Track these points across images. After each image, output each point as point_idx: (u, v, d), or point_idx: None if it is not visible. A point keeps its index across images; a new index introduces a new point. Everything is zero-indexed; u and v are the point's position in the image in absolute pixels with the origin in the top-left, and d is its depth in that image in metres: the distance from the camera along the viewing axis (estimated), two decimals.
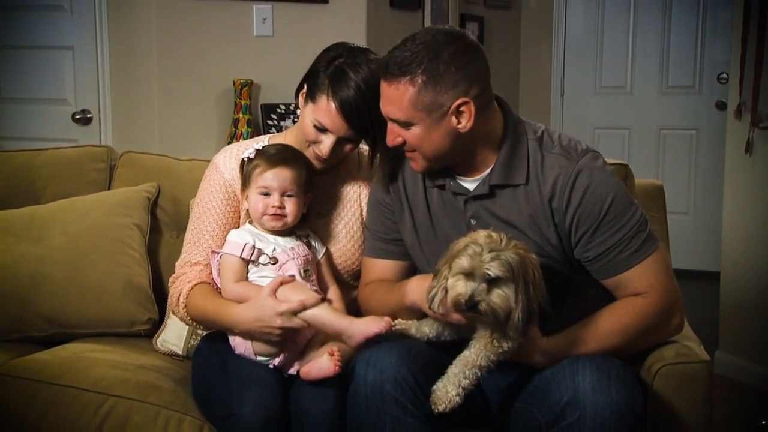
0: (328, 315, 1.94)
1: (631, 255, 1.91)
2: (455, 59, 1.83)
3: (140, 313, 2.49)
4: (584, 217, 1.90)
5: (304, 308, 1.92)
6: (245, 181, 2.08)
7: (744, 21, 3.69)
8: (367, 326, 1.89)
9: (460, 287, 1.76)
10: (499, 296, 1.75)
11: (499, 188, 1.95)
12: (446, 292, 1.79)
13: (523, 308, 1.76)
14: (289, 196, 2.05)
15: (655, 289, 1.92)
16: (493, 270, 1.74)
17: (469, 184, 1.98)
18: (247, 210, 2.11)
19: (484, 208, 1.97)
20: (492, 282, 1.75)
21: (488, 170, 1.95)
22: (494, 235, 1.78)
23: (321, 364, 1.88)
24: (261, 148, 2.08)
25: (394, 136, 1.92)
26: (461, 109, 1.85)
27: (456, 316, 1.81)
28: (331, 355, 1.86)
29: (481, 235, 1.79)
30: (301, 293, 1.95)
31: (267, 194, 2.04)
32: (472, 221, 1.98)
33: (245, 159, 2.08)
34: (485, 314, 1.76)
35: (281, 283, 1.96)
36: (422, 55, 1.82)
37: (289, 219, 2.07)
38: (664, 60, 5.53)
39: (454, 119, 1.86)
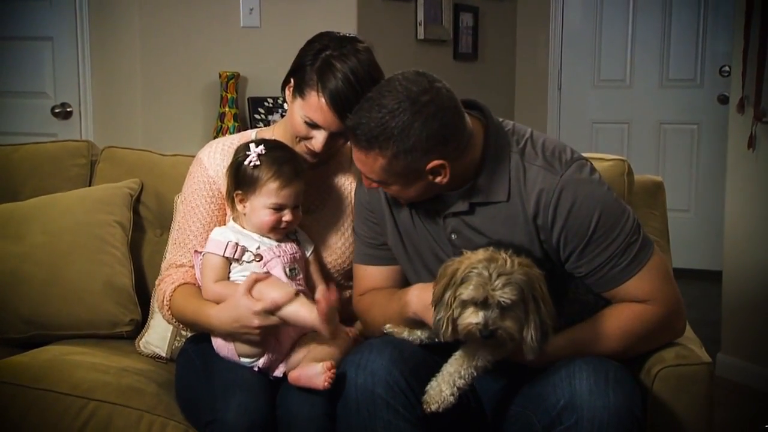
0: (302, 310, 1.91)
1: (624, 268, 1.87)
2: (425, 127, 1.78)
3: (122, 314, 2.46)
4: (571, 235, 1.86)
5: (278, 306, 1.90)
6: (248, 187, 2.02)
7: (747, 12, 3.67)
8: (320, 304, 1.87)
9: (471, 317, 1.73)
10: (513, 320, 1.73)
11: (480, 205, 1.92)
12: (454, 320, 1.76)
13: (536, 327, 1.74)
14: (296, 207, 2.04)
15: (655, 297, 1.89)
16: (507, 297, 1.71)
17: (449, 199, 1.94)
18: (232, 206, 2.07)
19: (464, 224, 1.94)
20: (504, 307, 1.72)
21: (468, 186, 1.92)
22: (498, 255, 1.75)
23: (311, 373, 1.86)
24: (263, 152, 2.01)
25: (369, 183, 1.92)
26: (437, 169, 1.83)
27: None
28: (329, 369, 1.84)
29: (481, 256, 1.75)
30: (275, 290, 1.93)
31: (279, 209, 2.01)
32: (452, 236, 1.95)
33: (248, 164, 2.01)
34: (501, 340, 1.74)
35: (255, 281, 1.94)
36: (390, 126, 1.77)
37: (293, 227, 2.07)
38: (665, 52, 5.53)
39: (430, 176, 1.85)
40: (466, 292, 1.72)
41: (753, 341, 3.81)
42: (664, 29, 5.50)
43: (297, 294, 1.93)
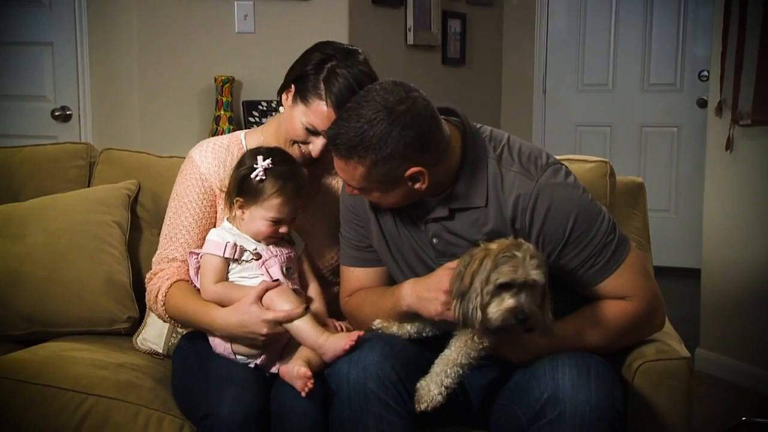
0: (308, 329, 1.93)
1: (602, 268, 1.89)
2: (403, 136, 1.79)
3: (120, 311, 2.47)
4: (549, 238, 1.87)
5: (290, 320, 1.92)
6: (251, 197, 2.02)
7: (725, 18, 3.69)
8: (337, 343, 1.88)
9: (508, 301, 1.74)
10: (534, 303, 1.75)
11: (459, 211, 1.93)
12: (484, 307, 1.75)
13: (551, 308, 1.78)
14: (292, 220, 2.06)
15: (634, 293, 1.92)
16: (540, 278, 1.73)
17: (430, 205, 1.96)
18: (230, 208, 2.08)
19: (445, 228, 1.95)
20: (531, 289, 1.75)
21: (447, 192, 1.92)
22: (520, 241, 1.78)
23: (292, 374, 1.87)
24: (269, 166, 2.01)
25: (351, 189, 1.93)
26: (415, 176, 1.84)
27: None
28: (306, 377, 1.84)
29: (507, 242, 1.77)
30: (286, 302, 1.94)
31: (277, 223, 2.03)
32: (434, 240, 1.96)
33: (254, 177, 2.01)
34: (533, 324, 1.76)
35: (266, 289, 1.95)
36: (369, 135, 1.79)
37: (286, 234, 2.08)
38: (646, 57, 5.54)
39: (409, 183, 1.86)
40: (504, 273, 1.72)
41: (731, 336, 3.82)
42: (645, 35, 5.51)
43: (307, 309, 1.95)
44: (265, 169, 2.00)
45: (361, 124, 1.79)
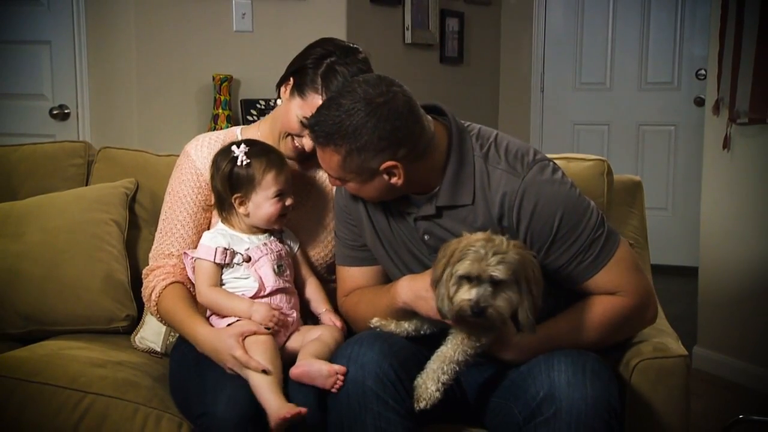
0: (264, 393, 1.87)
1: (591, 263, 1.89)
2: (378, 128, 1.80)
3: (118, 309, 2.47)
4: (536, 235, 1.88)
5: (245, 366, 1.89)
6: (247, 186, 2.04)
7: (722, 17, 3.70)
8: (279, 411, 1.83)
9: (464, 294, 1.75)
10: (504, 300, 1.76)
11: (446, 209, 1.94)
12: (450, 298, 1.77)
13: (529, 307, 1.77)
14: (290, 190, 2.08)
15: (625, 288, 1.92)
16: (500, 273, 1.73)
17: (418, 203, 1.97)
18: (221, 213, 2.09)
19: (435, 225, 1.96)
20: (496, 285, 1.75)
21: (435, 190, 1.93)
22: (495, 237, 1.78)
23: (316, 374, 1.85)
24: (247, 149, 2.04)
25: (333, 180, 1.95)
26: (390, 170, 1.86)
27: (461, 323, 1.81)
28: (340, 373, 1.84)
29: (479, 236, 1.78)
30: (258, 353, 1.91)
31: (281, 196, 2.05)
32: (425, 237, 1.97)
33: (240, 164, 2.03)
34: (491, 319, 1.76)
35: (254, 333, 1.94)
36: (345, 125, 1.81)
37: (290, 211, 2.10)
38: (643, 56, 5.56)
39: (385, 176, 1.87)
40: (462, 267, 1.74)
41: (728, 335, 3.83)
42: (642, 34, 5.53)
43: (265, 372, 1.88)
44: (246, 153, 2.03)
45: (340, 113, 1.82)
